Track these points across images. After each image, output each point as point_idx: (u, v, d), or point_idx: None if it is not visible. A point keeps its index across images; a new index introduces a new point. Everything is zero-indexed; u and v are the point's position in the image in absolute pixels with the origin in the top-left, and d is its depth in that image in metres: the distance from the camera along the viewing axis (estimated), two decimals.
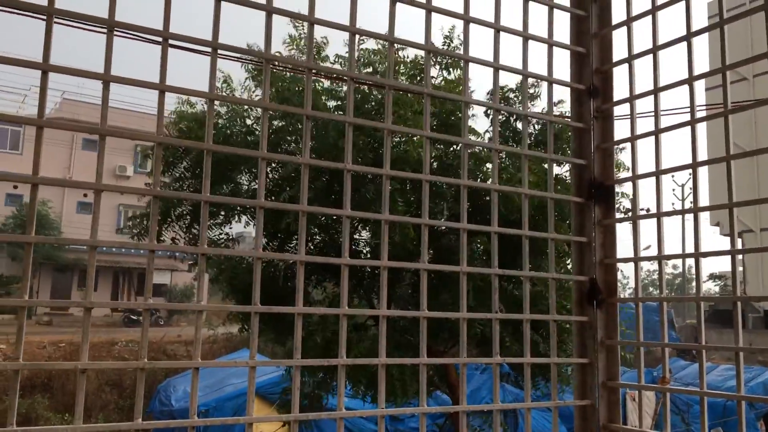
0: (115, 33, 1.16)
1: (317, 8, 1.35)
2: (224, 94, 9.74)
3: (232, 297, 10.51)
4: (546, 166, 1.70)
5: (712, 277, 43.92)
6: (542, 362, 1.61)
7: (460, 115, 9.36)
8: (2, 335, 23.10)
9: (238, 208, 10.14)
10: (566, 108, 9.48)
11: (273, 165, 9.28)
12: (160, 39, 1.22)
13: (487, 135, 10.11)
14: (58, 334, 24.87)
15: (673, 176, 37.96)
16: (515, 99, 10.38)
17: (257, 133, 9.61)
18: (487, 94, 10.03)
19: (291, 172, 9.16)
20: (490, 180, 1.57)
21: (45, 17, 1.11)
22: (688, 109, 1.50)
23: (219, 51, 1.25)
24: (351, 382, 9.51)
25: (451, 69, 9.98)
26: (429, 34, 1.49)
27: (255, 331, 1.25)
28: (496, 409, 1.49)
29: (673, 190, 43.03)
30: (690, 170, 1.50)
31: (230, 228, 10.74)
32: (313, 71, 1.38)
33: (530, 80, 1.92)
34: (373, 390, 9.57)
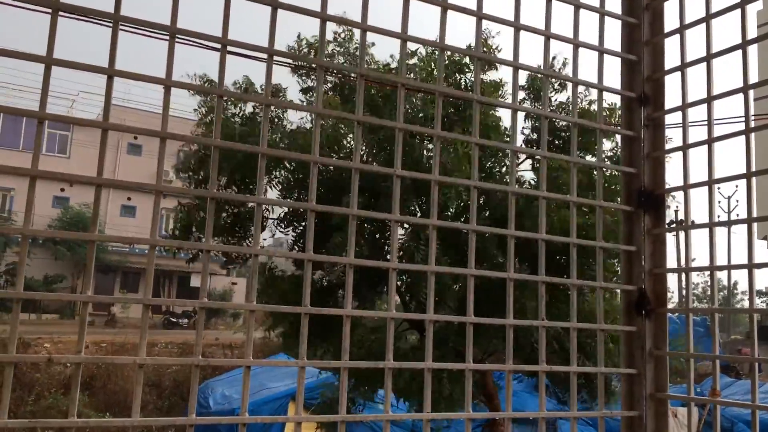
0: (177, 39, 1.20)
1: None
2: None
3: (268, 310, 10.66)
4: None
5: (758, 294, 42.76)
6: (589, 371, 1.60)
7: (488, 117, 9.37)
8: (46, 335, 23.69)
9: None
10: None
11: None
12: (218, 45, 1.25)
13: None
14: (100, 334, 25.41)
15: (719, 188, 37.05)
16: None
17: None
18: (525, 92, 10.03)
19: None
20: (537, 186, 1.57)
21: (111, 23, 1.15)
22: (733, 119, 1.48)
23: (275, 57, 1.28)
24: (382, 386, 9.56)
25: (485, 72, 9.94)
26: (479, 40, 1.51)
27: (305, 332, 1.27)
28: (541, 417, 1.49)
29: (719, 202, 42.05)
30: (738, 181, 1.48)
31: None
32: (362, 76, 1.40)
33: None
34: (403, 395, 9.60)
